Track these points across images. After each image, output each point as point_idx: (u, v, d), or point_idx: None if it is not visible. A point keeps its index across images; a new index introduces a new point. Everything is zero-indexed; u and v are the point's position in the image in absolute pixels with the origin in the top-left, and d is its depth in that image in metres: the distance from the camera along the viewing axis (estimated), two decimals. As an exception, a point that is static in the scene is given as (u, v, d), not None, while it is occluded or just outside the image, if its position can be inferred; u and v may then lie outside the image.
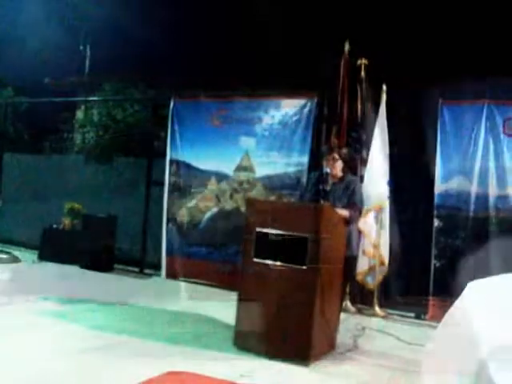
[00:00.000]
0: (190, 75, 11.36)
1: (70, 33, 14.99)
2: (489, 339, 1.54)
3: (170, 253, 7.73)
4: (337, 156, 5.19)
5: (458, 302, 1.75)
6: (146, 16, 13.00)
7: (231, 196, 7.37)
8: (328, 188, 5.13)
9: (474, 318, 1.56)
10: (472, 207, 6.14)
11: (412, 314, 6.38)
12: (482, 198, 6.11)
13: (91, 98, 10.74)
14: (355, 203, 5.08)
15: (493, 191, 6.07)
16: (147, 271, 8.00)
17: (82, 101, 12.11)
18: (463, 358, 1.53)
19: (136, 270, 8.04)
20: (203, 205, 7.58)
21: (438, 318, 6.02)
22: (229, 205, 7.40)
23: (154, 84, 10.26)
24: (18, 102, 11.42)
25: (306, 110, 7.02)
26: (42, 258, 8.34)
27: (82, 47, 15.99)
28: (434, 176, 6.34)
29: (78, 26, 15.24)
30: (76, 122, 10.82)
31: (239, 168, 7.36)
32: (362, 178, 6.32)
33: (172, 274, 7.65)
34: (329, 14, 10.58)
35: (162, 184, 7.88)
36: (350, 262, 5.55)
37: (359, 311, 6.38)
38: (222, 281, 7.23)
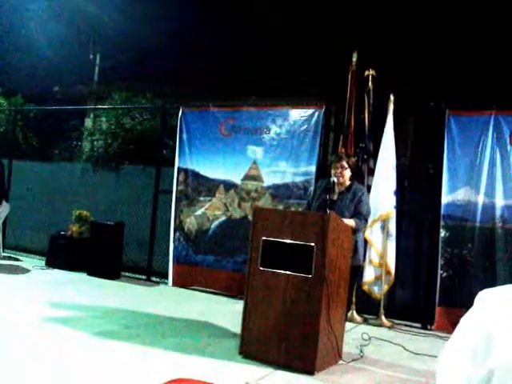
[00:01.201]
0: (198, 84, 11.45)
1: (80, 42, 15.12)
2: (500, 349, 1.56)
3: (177, 260, 7.76)
4: (346, 164, 5.22)
5: (470, 311, 1.76)
6: (155, 25, 13.10)
7: (239, 205, 7.40)
8: (335, 197, 5.16)
9: (486, 327, 1.58)
10: (479, 218, 6.15)
11: (418, 324, 6.38)
12: (489, 209, 6.11)
13: (100, 106, 10.81)
14: (362, 213, 5.11)
15: (499, 202, 6.08)
16: (154, 279, 8.03)
17: (91, 109, 12.21)
18: (474, 366, 1.54)
19: (143, 277, 8.08)
20: (211, 213, 7.61)
21: (444, 328, 6.04)
22: (237, 213, 7.43)
23: (162, 93, 10.33)
24: (28, 110, 11.52)
25: (314, 119, 7.06)
26: (50, 264, 8.38)
27: (91, 56, 16.12)
28: (440, 186, 6.35)
29: (88, 35, 15.38)
30: (85, 130, 10.89)
31: (247, 177, 7.39)
32: (368, 188, 6.35)
33: (179, 282, 7.68)
34: (337, 24, 10.64)
35: (170, 192, 7.92)
36: (356, 271, 5.57)
37: (365, 321, 6.38)
38: (229, 289, 7.26)
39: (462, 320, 1.69)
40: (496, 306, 1.66)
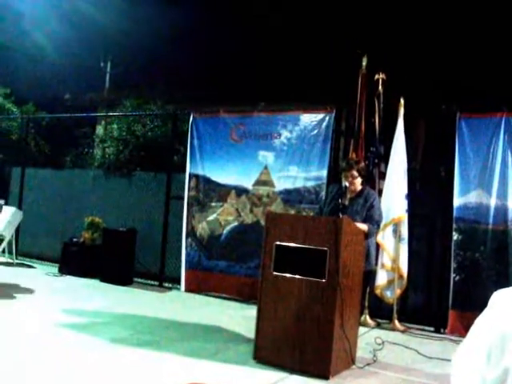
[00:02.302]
0: (208, 90, 11.49)
1: (90, 50, 15.24)
2: None
3: (189, 266, 7.78)
4: (356, 173, 5.23)
5: (484, 312, 1.77)
6: (165, 33, 13.18)
7: (251, 210, 7.42)
8: (347, 202, 5.17)
9: (501, 328, 1.58)
10: (491, 220, 6.11)
11: (431, 328, 6.36)
12: (501, 211, 6.08)
13: (111, 114, 10.88)
14: (374, 217, 5.11)
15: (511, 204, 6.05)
16: (166, 285, 8.06)
17: (102, 116, 12.28)
18: (489, 366, 1.55)
19: (155, 283, 8.11)
20: (223, 218, 7.63)
21: (457, 331, 6.01)
22: (249, 218, 7.44)
23: (172, 100, 10.37)
24: (40, 118, 11.61)
25: (325, 124, 7.06)
26: (63, 271, 8.43)
27: (101, 64, 16.24)
28: (452, 189, 6.33)
29: (98, 43, 15.49)
30: (96, 137, 10.96)
31: (258, 182, 7.41)
32: (380, 192, 6.34)
33: (191, 288, 7.70)
34: (347, 29, 10.65)
35: (182, 198, 7.96)
36: (369, 275, 5.57)
37: (378, 325, 6.37)
38: (242, 294, 7.27)
39: (477, 321, 1.70)
40: (510, 306, 1.66)
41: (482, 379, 1.55)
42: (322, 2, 11.52)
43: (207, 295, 7.53)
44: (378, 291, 6.41)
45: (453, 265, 6.24)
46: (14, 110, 12.17)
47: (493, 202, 6.12)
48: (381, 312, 6.55)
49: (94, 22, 14.78)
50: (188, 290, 7.71)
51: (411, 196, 6.47)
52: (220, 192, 7.70)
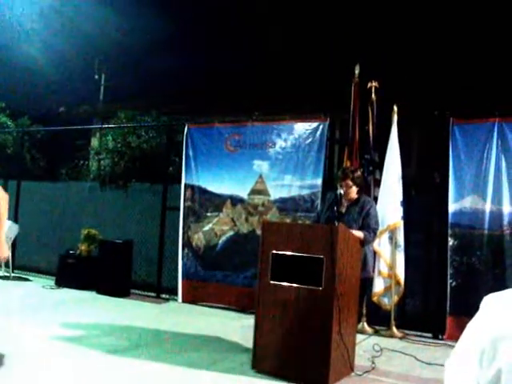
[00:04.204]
0: (203, 101, 11.53)
1: (84, 62, 15.28)
2: (508, 351, 1.57)
3: (186, 277, 7.78)
4: (350, 183, 5.25)
5: (476, 315, 1.79)
6: (159, 44, 13.22)
7: (247, 219, 7.43)
8: (343, 210, 5.19)
9: (492, 331, 1.59)
10: (486, 225, 6.12)
11: (429, 334, 6.35)
12: (497, 216, 6.09)
13: (106, 126, 10.89)
14: (370, 225, 5.13)
15: (507, 208, 6.07)
16: (164, 296, 8.04)
17: (97, 128, 12.30)
18: (481, 368, 1.56)
19: (152, 294, 8.09)
20: (219, 228, 7.64)
21: (455, 337, 5.98)
22: (244, 228, 7.45)
23: (167, 111, 10.40)
24: (35, 131, 11.62)
25: (319, 132, 7.09)
26: (59, 283, 8.41)
27: (96, 76, 16.27)
28: (447, 195, 6.36)
29: (92, 55, 15.54)
30: (91, 149, 10.97)
31: (254, 191, 7.42)
32: (375, 199, 6.36)
33: (188, 298, 7.69)
34: (339, 37, 10.71)
35: (178, 209, 7.96)
36: (366, 282, 5.58)
37: (376, 332, 6.37)
38: (239, 304, 7.26)
39: (468, 325, 1.71)
40: (501, 309, 1.68)
41: (475, 382, 1.56)
42: (315, 12, 11.59)
43: (204, 305, 7.52)
44: (375, 298, 6.41)
45: (449, 270, 6.25)
46: (9, 123, 12.17)
47: (488, 207, 6.14)
48: (378, 319, 6.54)
49: (88, 35, 14.83)
50: (185, 300, 7.70)
51: (406, 202, 6.49)
52: (215, 202, 7.71)
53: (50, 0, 14.44)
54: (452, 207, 6.32)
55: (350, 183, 5.25)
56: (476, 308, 2.25)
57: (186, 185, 7.95)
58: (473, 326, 1.74)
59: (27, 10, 14.55)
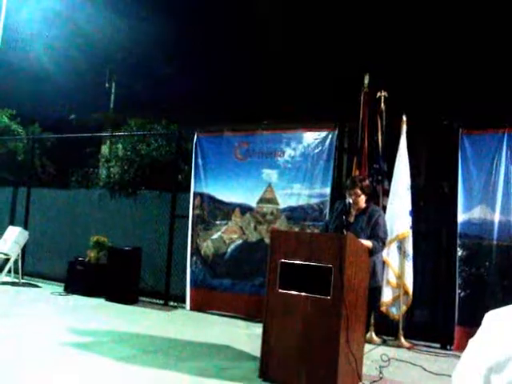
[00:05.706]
0: (212, 110, 11.59)
1: (96, 71, 15.39)
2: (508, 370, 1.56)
3: (194, 285, 7.79)
4: (359, 191, 5.24)
5: (478, 333, 1.78)
6: (169, 53, 13.31)
7: (255, 228, 7.44)
8: (352, 219, 5.19)
9: (493, 348, 1.59)
10: (495, 235, 6.11)
11: (437, 345, 6.33)
12: (506, 226, 6.08)
13: (116, 134, 10.96)
14: (379, 235, 5.12)
15: (516, 219, 6.06)
16: (172, 303, 8.06)
17: (107, 136, 12.38)
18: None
19: (161, 302, 8.11)
20: (227, 237, 7.65)
21: (463, 348, 5.92)
22: (253, 236, 7.46)
23: (177, 119, 10.46)
24: (45, 138, 11.70)
25: (328, 141, 7.12)
26: (68, 290, 8.45)
27: (106, 85, 16.40)
28: (456, 205, 6.35)
29: (104, 64, 15.65)
30: (101, 157, 11.04)
31: (262, 200, 7.44)
32: (384, 209, 6.35)
33: (197, 306, 7.70)
34: (349, 48, 10.75)
35: (186, 216, 7.99)
36: (375, 292, 5.56)
37: (384, 342, 6.35)
38: (247, 312, 7.26)
39: (470, 341, 1.71)
40: (503, 325, 1.67)
41: None
42: (326, 22, 11.64)
43: (212, 314, 7.53)
44: (383, 308, 6.40)
45: (458, 281, 6.23)
46: (20, 130, 12.28)
47: (497, 217, 6.13)
48: (386, 329, 6.52)
49: (99, 43, 14.95)
50: (193, 308, 7.71)
51: (415, 212, 6.49)
52: (224, 210, 7.73)
53: (62, 9, 14.58)
54: (461, 217, 6.31)
55: (359, 192, 5.25)
56: (484, 319, 2.25)
57: (194, 193, 7.98)
58: (476, 342, 1.74)
59: (39, 19, 14.70)
